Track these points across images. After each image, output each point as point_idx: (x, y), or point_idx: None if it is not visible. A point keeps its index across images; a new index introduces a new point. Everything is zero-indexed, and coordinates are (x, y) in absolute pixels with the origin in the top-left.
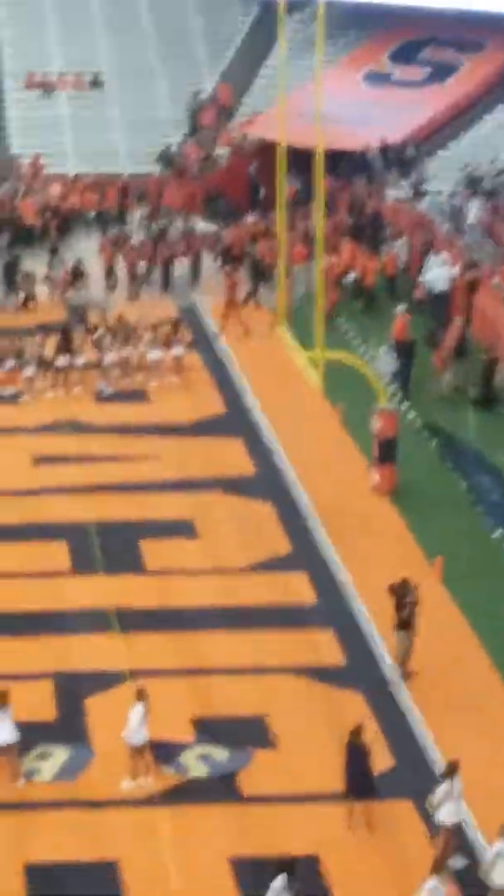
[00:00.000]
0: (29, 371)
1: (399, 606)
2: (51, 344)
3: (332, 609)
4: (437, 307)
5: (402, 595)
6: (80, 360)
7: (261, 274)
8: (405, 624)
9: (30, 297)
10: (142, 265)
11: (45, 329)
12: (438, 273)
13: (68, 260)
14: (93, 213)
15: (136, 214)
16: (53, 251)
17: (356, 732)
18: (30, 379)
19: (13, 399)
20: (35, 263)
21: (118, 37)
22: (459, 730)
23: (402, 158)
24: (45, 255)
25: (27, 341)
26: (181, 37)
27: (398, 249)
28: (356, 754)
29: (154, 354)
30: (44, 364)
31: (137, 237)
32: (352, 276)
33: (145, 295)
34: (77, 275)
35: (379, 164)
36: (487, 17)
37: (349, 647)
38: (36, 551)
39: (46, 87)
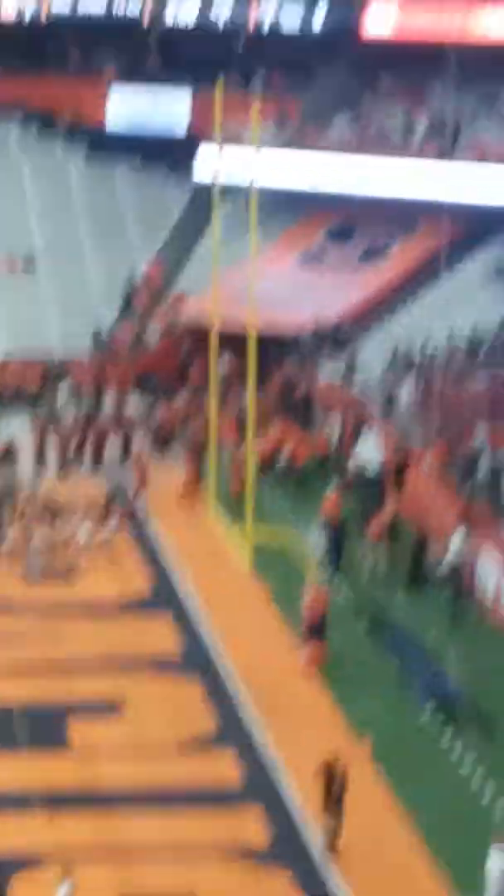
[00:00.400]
0: None
1: (327, 785)
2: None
3: (259, 788)
4: (369, 487)
5: (331, 773)
6: (6, 540)
7: (199, 453)
8: (333, 803)
9: None
10: (72, 444)
11: None
12: (371, 453)
13: (2, 439)
14: (23, 392)
15: (65, 393)
16: None
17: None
18: None
19: None
20: None
21: (51, 217)
22: None
23: (335, 339)
24: None
25: None
26: (114, 217)
27: (330, 429)
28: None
29: (84, 533)
30: None
31: (68, 416)
32: (283, 454)
33: (75, 474)
34: (8, 454)
35: (311, 345)
36: (419, 199)
37: (276, 826)
38: None
39: None
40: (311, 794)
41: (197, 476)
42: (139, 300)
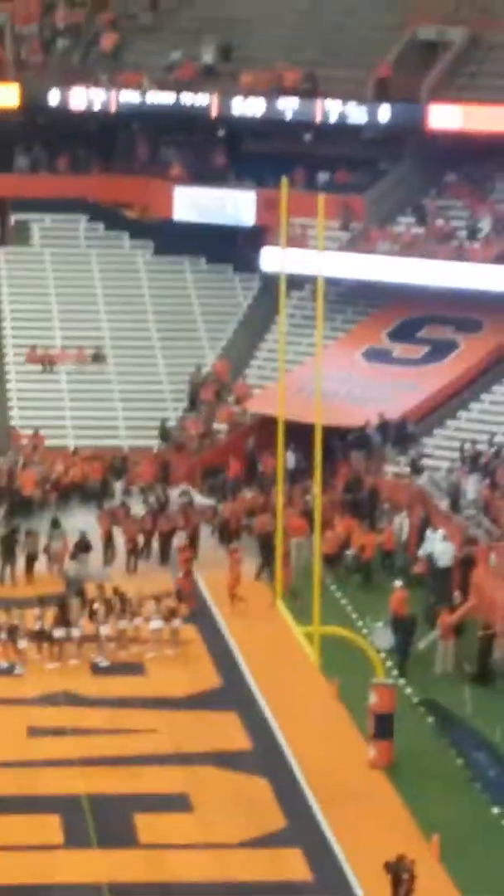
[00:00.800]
0: (22, 643)
1: (395, 884)
2: (48, 616)
3: (327, 886)
4: (439, 582)
5: (399, 872)
6: (76, 633)
7: (268, 548)
8: None
9: (32, 558)
10: (140, 538)
11: (42, 601)
12: (443, 548)
13: (71, 532)
14: (92, 485)
15: (133, 488)
16: (54, 524)
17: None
18: (23, 651)
19: (8, 671)
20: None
21: (119, 311)
22: None
23: (400, 435)
24: (45, 526)
25: (22, 613)
26: (181, 311)
27: (397, 524)
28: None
29: (154, 626)
30: (36, 637)
31: (135, 510)
32: (350, 551)
33: (143, 567)
34: (82, 547)
35: (377, 440)
36: (484, 296)
37: None
38: (29, 824)
39: (47, 361)
40: (379, 893)
41: (257, 570)
42: (206, 394)
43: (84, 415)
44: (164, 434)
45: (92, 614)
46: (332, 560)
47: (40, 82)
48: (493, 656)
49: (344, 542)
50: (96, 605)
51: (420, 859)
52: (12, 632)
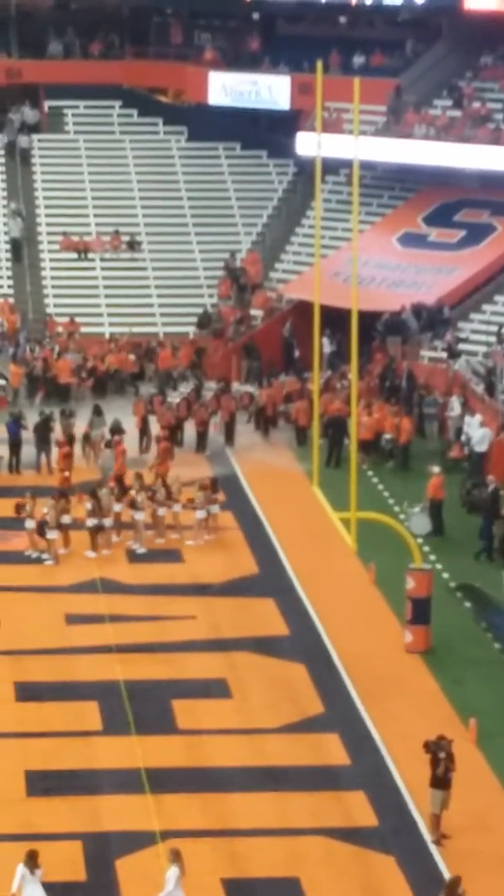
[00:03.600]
0: (52, 534)
1: (434, 763)
2: (82, 504)
3: (364, 770)
4: (476, 467)
5: (437, 752)
6: (108, 521)
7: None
8: (439, 781)
9: (70, 440)
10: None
11: (62, 493)
12: (481, 433)
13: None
14: (125, 372)
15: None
16: (97, 411)
17: (452, 887)
18: (52, 542)
19: (36, 560)
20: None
21: (153, 199)
22: (494, 893)
23: (436, 319)
24: (86, 414)
25: (54, 503)
26: (216, 197)
27: (434, 408)
28: None
29: (200, 514)
30: (64, 527)
31: (171, 396)
32: (388, 436)
33: (179, 455)
34: (115, 433)
35: (413, 325)
36: None
37: (382, 810)
38: (68, 711)
39: (82, 249)
40: (417, 778)
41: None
42: (251, 271)
43: (119, 302)
44: (203, 321)
45: (130, 502)
46: (368, 445)
47: None
48: None
49: (381, 427)
50: (134, 493)
51: (457, 743)
52: (42, 523)
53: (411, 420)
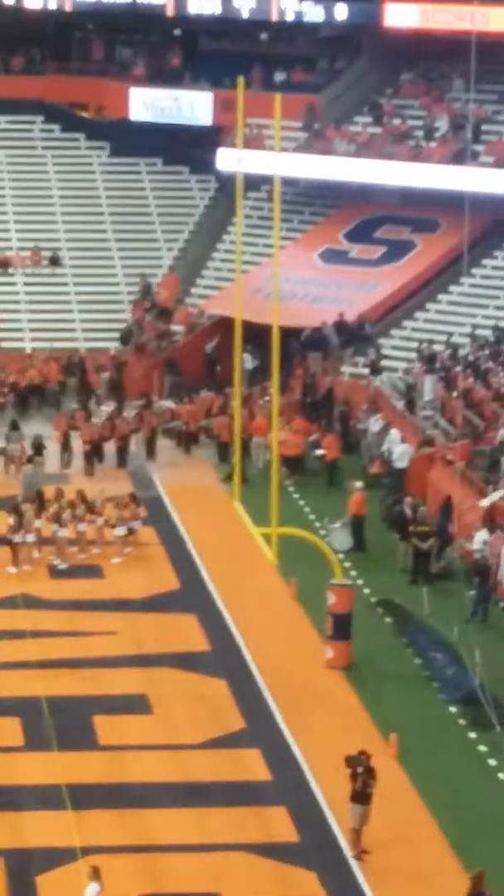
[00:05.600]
0: None
1: (353, 778)
2: (3, 520)
3: (285, 785)
4: (396, 483)
5: (355, 766)
6: (31, 537)
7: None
8: (359, 796)
9: None
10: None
11: None
12: (401, 449)
13: (29, 436)
14: (46, 388)
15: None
16: (13, 426)
17: (476, 881)
18: None
19: None
20: None
21: (75, 214)
22: None
23: (358, 336)
24: (3, 429)
25: None
26: (138, 213)
27: (371, 426)
28: None
29: (119, 531)
30: None
31: (93, 412)
32: (319, 452)
33: (100, 470)
34: (37, 450)
35: (334, 341)
36: (441, 196)
37: (303, 825)
38: None
39: (3, 264)
40: (337, 793)
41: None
42: (163, 294)
43: (41, 317)
44: (126, 336)
45: (53, 517)
46: (290, 461)
47: None
48: (447, 556)
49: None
50: (54, 508)
51: (378, 758)
52: None
53: (336, 436)
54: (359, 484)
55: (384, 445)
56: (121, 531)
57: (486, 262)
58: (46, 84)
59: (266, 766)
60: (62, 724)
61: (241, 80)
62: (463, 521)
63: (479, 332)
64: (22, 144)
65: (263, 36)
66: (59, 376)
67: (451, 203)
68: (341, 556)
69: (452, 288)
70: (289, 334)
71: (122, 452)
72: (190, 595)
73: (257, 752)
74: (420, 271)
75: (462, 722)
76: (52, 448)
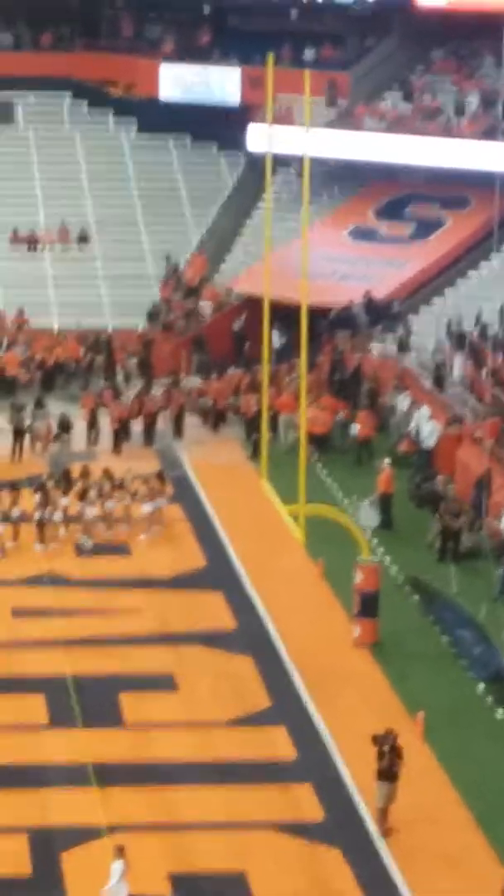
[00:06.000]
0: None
1: (379, 756)
2: (29, 498)
3: (311, 764)
4: (425, 461)
5: (382, 745)
6: (58, 515)
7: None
8: (385, 775)
9: (19, 432)
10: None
11: (13, 485)
12: (429, 427)
13: (55, 414)
14: (74, 366)
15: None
16: (38, 404)
17: None
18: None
19: None
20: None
21: (103, 191)
22: (441, 887)
23: (386, 313)
24: (30, 407)
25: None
26: (166, 190)
27: (399, 404)
28: None
29: (146, 507)
30: (14, 521)
31: (121, 390)
32: (355, 427)
33: (127, 448)
34: (64, 428)
35: (363, 319)
36: (471, 173)
37: (328, 803)
38: (13, 704)
39: (32, 242)
40: (363, 771)
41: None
42: (190, 273)
43: (68, 295)
44: (153, 314)
45: (80, 495)
46: (318, 439)
47: None
48: (479, 534)
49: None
50: (81, 486)
51: (405, 736)
52: None
53: (370, 413)
54: (387, 461)
55: (412, 423)
56: (148, 508)
57: None
58: (75, 61)
59: (292, 744)
60: (88, 702)
61: (270, 56)
62: (492, 500)
63: None
64: (51, 122)
65: (293, 13)
66: (80, 355)
67: (480, 180)
68: (369, 534)
69: (482, 265)
70: (317, 312)
71: (150, 431)
72: (216, 573)
73: (283, 730)
74: (450, 248)
75: (489, 700)
76: (79, 427)
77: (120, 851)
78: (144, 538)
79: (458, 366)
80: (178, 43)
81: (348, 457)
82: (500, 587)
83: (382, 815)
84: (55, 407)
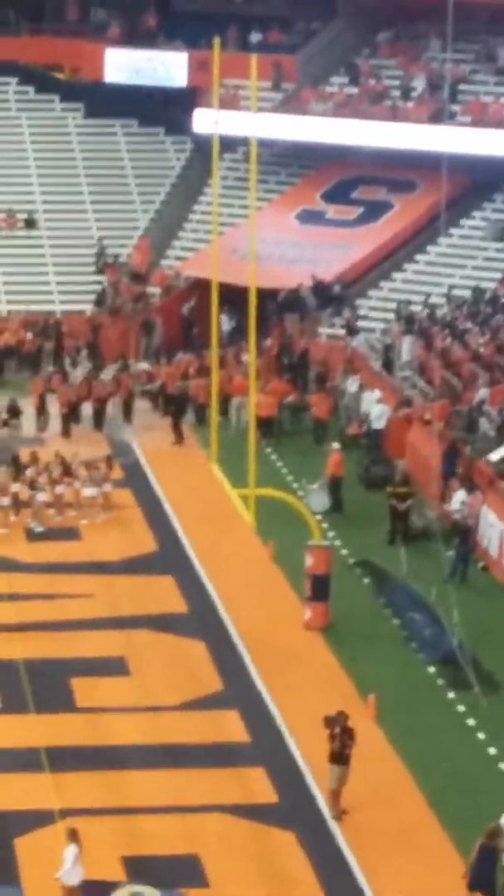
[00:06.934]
0: None
1: (331, 738)
2: None
3: (264, 747)
4: (374, 443)
5: (333, 727)
6: (6, 500)
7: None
8: (337, 757)
9: None
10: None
11: None
12: (379, 409)
13: (1, 399)
14: (21, 351)
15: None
16: None
17: (492, 834)
18: None
19: None
20: None
21: (50, 176)
22: (394, 866)
23: (334, 296)
24: None
25: None
26: (114, 174)
27: (348, 387)
28: (486, 855)
29: (89, 492)
30: None
31: (69, 374)
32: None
33: (77, 432)
34: (13, 413)
35: (311, 302)
36: (418, 157)
37: (281, 785)
38: None
39: None
40: (316, 753)
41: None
42: (137, 259)
43: (16, 280)
44: (101, 298)
45: (29, 480)
46: (263, 423)
47: None
48: (427, 516)
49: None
50: (31, 472)
51: (356, 719)
52: None
53: (327, 395)
54: (336, 445)
55: (362, 406)
56: (90, 492)
57: (463, 222)
58: (21, 46)
59: (244, 727)
60: (40, 687)
61: (216, 40)
62: (441, 482)
63: (456, 292)
64: None
65: None
66: (27, 340)
67: (427, 163)
68: (319, 517)
69: (430, 248)
70: (265, 295)
71: (99, 415)
72: (167, 557)
73: (235, 714)
74: (397, 232)
75: (440, 682)
76: (28, 412)
77: (73, 835)
78: (87, 523)
79: (407, 349)
80: (123, 27)
81: (297, 440)
82: (450, 569)
83: (335, 796)
84: (3, 392)
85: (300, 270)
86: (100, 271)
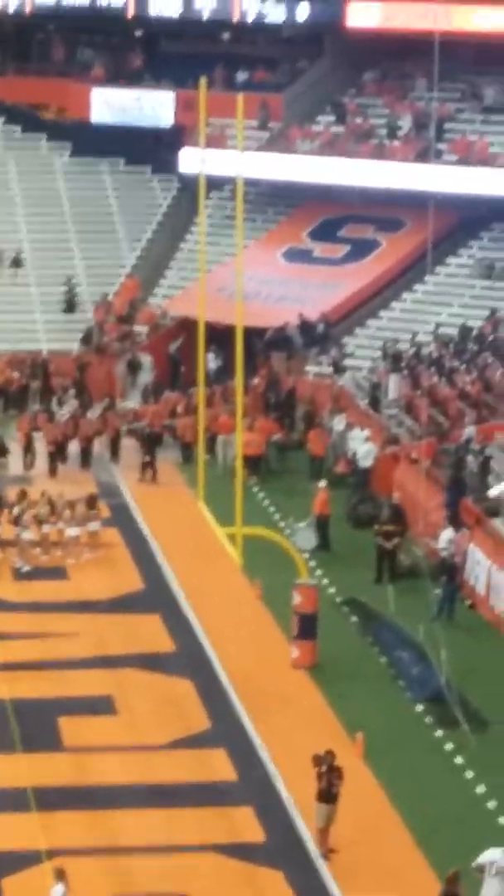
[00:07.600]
0: None
1: (318, 777)
2: None
3: (251, 786)
4: (361, 482)
5: (320, 765)
6: None
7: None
8: (324, 796)
9: None
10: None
11: None
12: (366, 448)
13: None
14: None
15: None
16: None
17: (450, 881)
18: None
19: None
20: None
21: (37, 215)
22: None
23: (321, 335)
24: None
25: None
26: (100, 213)
27: (336, 425)
28: None
29: (72, 531)
30: None
31: (56, 413)
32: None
33: (63, 471)
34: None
35: (298, 341)
36: (405, 195)
37: (269, 824)
38: None
39: None
40: (304, 793)
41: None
42: (119, 302)
43: (2, 318)
44: (88, 337)
45: (16, 519)
46: (251, 461)
47: None
48: (414, 555)
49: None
50: (17, 510)
51: (344, 758)
52: None
53: (321, 432)
54: (323, 483)
55: (349, 445)
56: (74, 532)
57: (450, 260)
58: (7, 85)
59: (232, 766)
60: (27, 726)
61: (203, 80)
62: (428, 520)
63: (443, 330)
64: None
65: (225, 36)
66: (21, 379)
67: (414, 202)
68: (306, 555)
69: (417, 287)
70: (252, 334)
71: (86, 454)
72: (154, 596)
73: (223, 753)
74: (384, 270)
75: (428, 720)
76: (15, 450)
77: (61, 874)
78: (73, 563)
79: (394, 387)
80: (109, 66)
81: (285, 479)
82: (437, 607)
83: (323, 835)
84: None
85: (287, 309)
86: (69, 309)
